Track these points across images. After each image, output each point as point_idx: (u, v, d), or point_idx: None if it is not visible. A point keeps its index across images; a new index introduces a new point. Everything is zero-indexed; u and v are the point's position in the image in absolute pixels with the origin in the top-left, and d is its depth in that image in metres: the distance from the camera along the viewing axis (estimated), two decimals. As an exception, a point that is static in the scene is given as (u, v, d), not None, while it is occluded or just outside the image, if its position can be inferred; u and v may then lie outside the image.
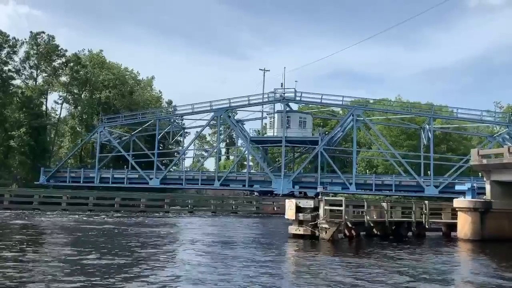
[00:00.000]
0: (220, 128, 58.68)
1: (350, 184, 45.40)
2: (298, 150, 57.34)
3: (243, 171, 52.46)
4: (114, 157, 56.16)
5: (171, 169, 53.75)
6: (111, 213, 40.32)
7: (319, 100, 49.51)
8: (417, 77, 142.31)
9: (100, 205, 43.10)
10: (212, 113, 51.19)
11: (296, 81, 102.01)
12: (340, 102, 49.41)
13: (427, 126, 47.73)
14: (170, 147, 65.89)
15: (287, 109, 50.75)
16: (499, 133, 48.84)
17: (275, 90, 51.18)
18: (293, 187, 47.52)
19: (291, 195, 45.82)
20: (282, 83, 53.01)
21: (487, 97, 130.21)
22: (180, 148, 63.16)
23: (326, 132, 54.33)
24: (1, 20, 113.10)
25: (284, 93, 50.22)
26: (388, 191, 45.81)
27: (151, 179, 50.26)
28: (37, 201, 41.58)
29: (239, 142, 63.14)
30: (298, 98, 49.93)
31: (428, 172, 45.57)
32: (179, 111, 55.25)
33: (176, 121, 60.13)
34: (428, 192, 43.35)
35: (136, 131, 55.20)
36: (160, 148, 59.49)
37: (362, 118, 48.66)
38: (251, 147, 52.79)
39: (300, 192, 47.37)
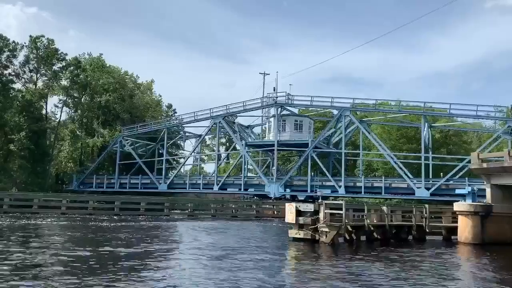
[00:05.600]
0: (221, 133, 59.56)
1: (340, 187, 45.27)
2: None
3: (242, 175, 52.67)
4: (120, 164, 59.57)
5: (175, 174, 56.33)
6: (95, 217, 39.82)
7: (309, 103, 49.91)
8: (416, 81, 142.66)
9: (99, 209, 43.00)
10: (211, 120, 53.19)
11: (290, 84, 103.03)
12: (329, 104, 49.55)
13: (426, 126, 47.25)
14: (170, 151, 66.14)
15: (283, 113, 51.15)
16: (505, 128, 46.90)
17: (268, 95, 51.81)
18: (285, 190, 47.64)
19: (283, 199, 46.10)
20: (274, 87, 54.11)
21: (487, 101, 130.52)
22: (182, 152, 65.78)
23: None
24: (8, 20, 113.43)
25: (276, 97, 50.66)
26: (378, 194, 45.30)
27: (160, 184, 54.45)
28: (37, 205, 41.44)
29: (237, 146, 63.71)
30: (289, 102, 50.31)
31: (441, 173, 44.71)
32: (183, 119, 59.14)
33: (176, 127, 61.39)
34: (418, 194, 42.25)
35: (158, 139, 60.26)
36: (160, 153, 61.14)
37: (352, 119, 48.83)
38: (249, 152, 53.15)
39: (291, 196, 47.49)
